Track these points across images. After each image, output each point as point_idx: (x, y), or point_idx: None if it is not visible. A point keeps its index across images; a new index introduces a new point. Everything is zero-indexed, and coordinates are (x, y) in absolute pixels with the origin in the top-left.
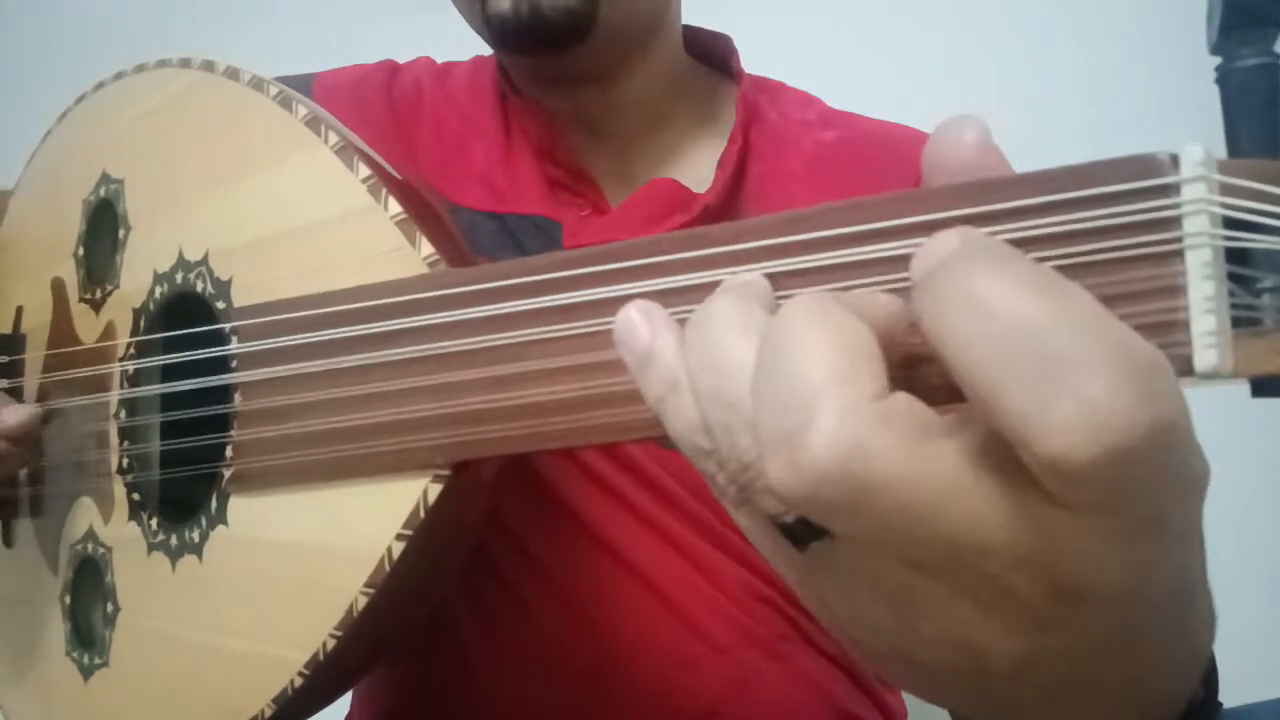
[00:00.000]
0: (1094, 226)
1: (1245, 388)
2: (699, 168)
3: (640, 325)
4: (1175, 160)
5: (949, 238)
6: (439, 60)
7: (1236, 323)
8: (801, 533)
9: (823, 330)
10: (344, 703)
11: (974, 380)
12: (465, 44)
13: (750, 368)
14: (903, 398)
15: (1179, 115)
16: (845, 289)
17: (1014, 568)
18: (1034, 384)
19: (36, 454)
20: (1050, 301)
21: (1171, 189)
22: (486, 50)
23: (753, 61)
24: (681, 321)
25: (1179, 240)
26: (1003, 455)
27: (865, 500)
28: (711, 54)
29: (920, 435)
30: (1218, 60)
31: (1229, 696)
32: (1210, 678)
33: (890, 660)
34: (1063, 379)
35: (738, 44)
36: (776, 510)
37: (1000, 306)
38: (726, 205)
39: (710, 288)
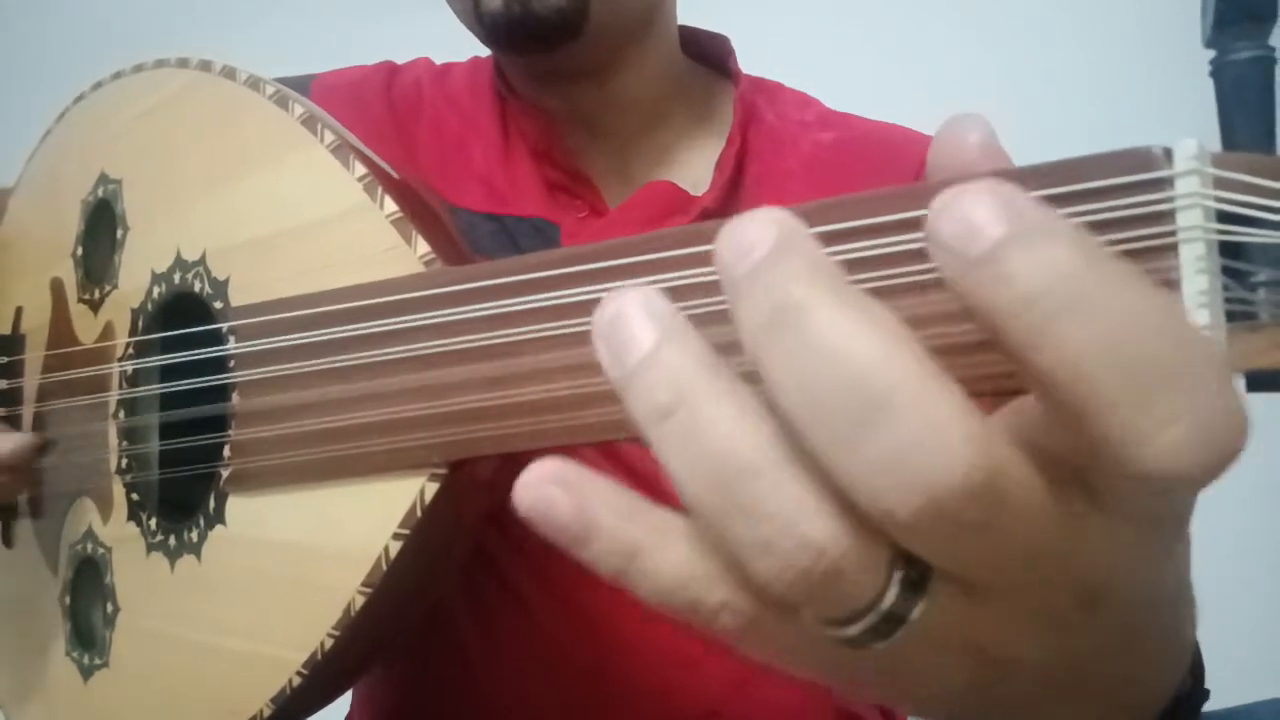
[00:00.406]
0: (1087, 221)
1: (1240, 384)
2: (696, 169)
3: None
4: (1168, 154)
5: (987, 212)
6: (438, 60)
7: (1231, 317)
8: (875, 632)
9: (876, 326)
10: (344, 702)
11: (1077, 392)
12: (464, 44)
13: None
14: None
15: (1174, 108)
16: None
17: (1059, 572)
18: (1145, 399)
19: (35, 483)
20: (1153, 307)
21: (1165, 183)
22: (485, 50)
23: (751, 62)
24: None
25: (1172, 234)
26: (1045, 458)
27: (1000, 517)
28: (709, 54)
29: (1009, 441)
30: (1212, 54)
31: (1229, 697)
32: (1195, 666)
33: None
34: (1176, 395)
35: (736, 44)
36: (843, 615)
37: (1113, 315)
38: (724, 207)
39: (707, 288)
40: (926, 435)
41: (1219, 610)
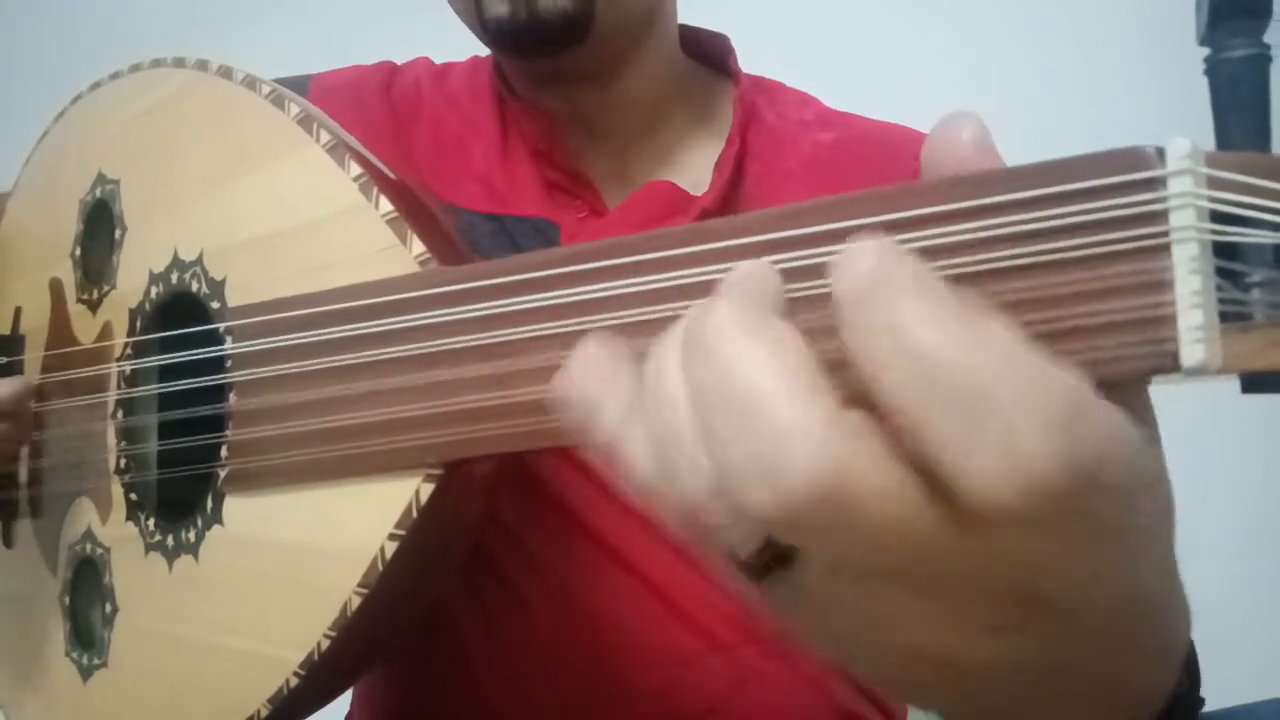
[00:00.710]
0: (1080, 221)
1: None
2: (696, 169)
3: (590, 369)
4: (1161, 154)
5: (865, 254)
6: (438, 60)
7: (1225, 318)
8: (758, 566)
9: (768, 344)
10: (344, 702)
11: (900, 415)
12: (465, 44)
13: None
14: (855, 410)
15: (1168, 106)
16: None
17: (978, 572)
18: (957, 426)
19: (29, 456)
20: (972, 340)
21: (1157, 183)
22: (485, 50)
23: (751, 61)
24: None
25: (1165, 235)
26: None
27: (848, 517)
28: (709, 54)
29: (884, 447)
30: (1207, 51)
31: (1229, 697)
32: (1191, 668)
33: (870, 673)
34: (984, 423)
35: (736, 44)
36: (739, 540)
37: (924, 346)
38: (724, 207)
39: (704, 287)
40: (780, 439)
41: (1219, 610)
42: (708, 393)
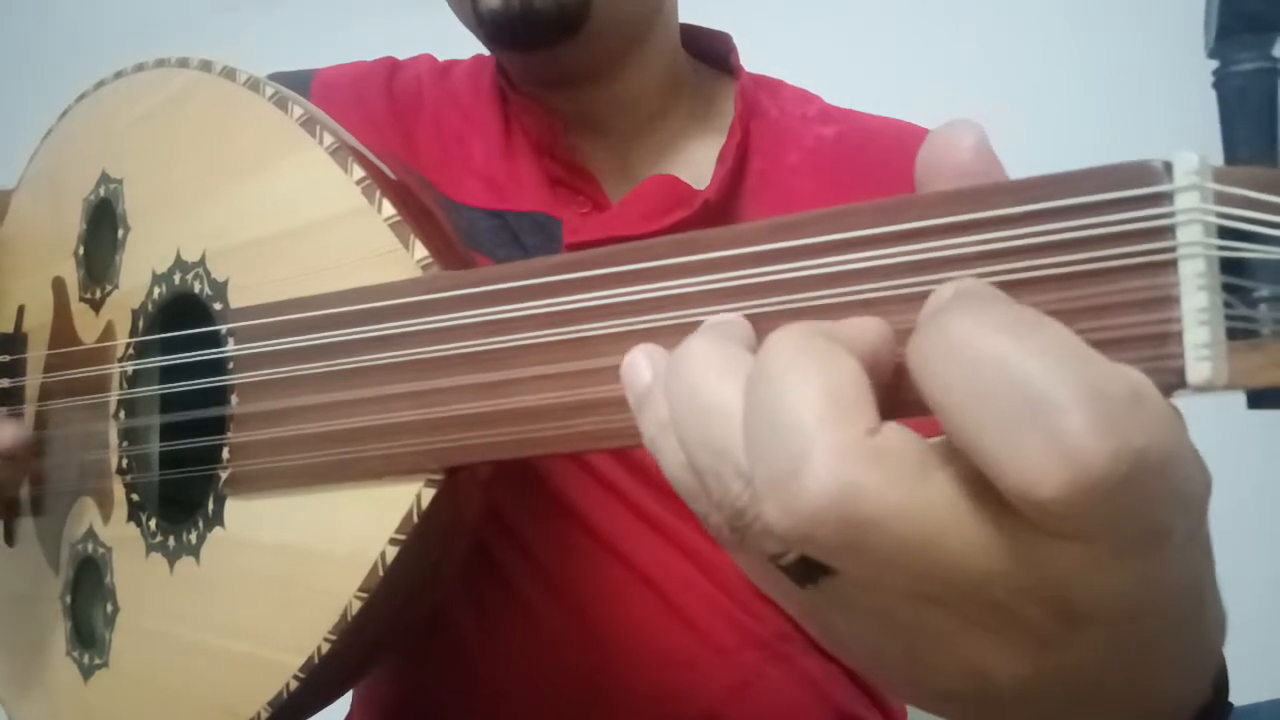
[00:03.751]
0: (1086, 235)
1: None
2: (698, 164)
3: (642, 366)
4: (1168, 168)
5: (946, 288)
6: (440, 58)
7: (1232, 334)
8: (803, 571)
9: (808, 369)
10: (344, 702)
11: (950, 422)
12: (464, 44)
13: (735, 411)
14: (894, 431)
15: (1175, 120)
16: (836, 296)
17: (1018, 594)
18: (1006, 424)
19: (32, 470)
20: (1022, 339)
21: (1164, 197)
22: (487, 49)
23: (752, 61)
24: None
25: (1172, 250)
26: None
27: (862, 539)
28: (710, 51)
29: (913, 469)
30: (1215, 64)
31: (1229, 697)
32: (1220, 680)
33: (900, 685)
34: (1033, 418)
35: (736, 43)
36: (776, 550)
37: (972, 348)
38: (727, 200)
39: (704, 296)
40: (801, 458)
41: None
42: (750, 410)
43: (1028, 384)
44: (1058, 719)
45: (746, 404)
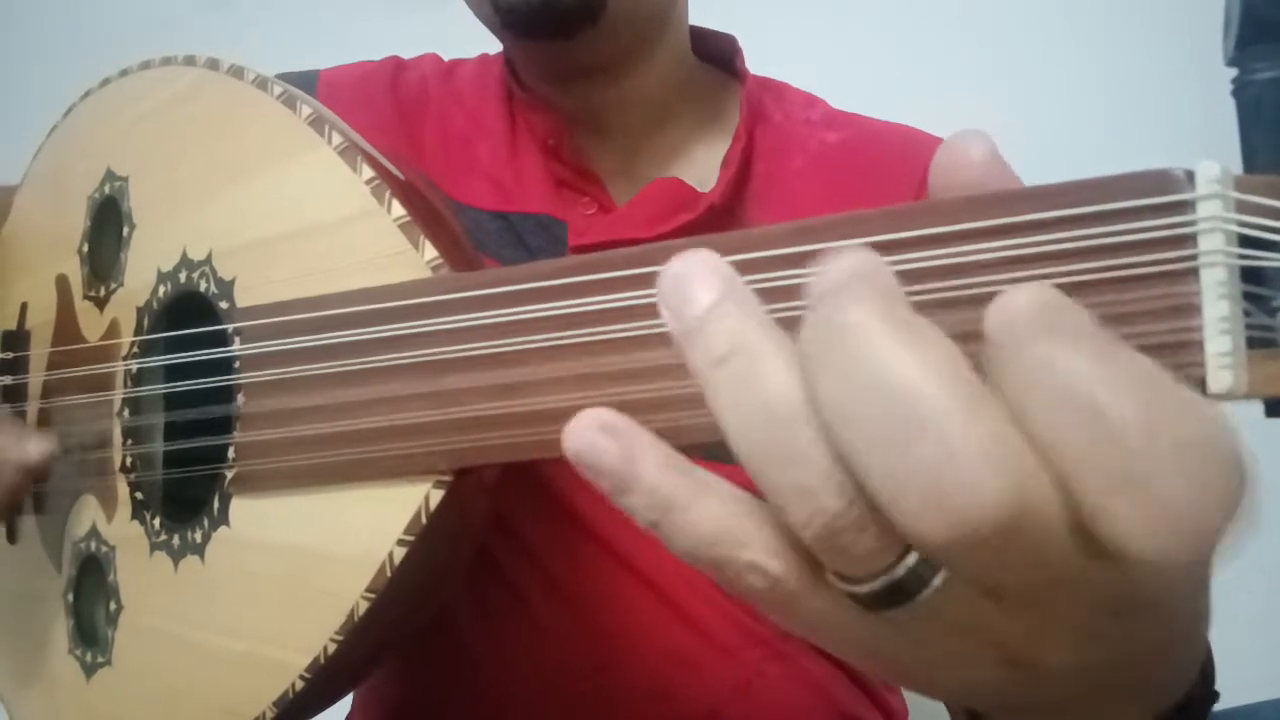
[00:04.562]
0: (1106, 243)
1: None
2: (703, 166)
3: (604, 446)
4: (1191, 176)
5: (1022, 290)
6: (445, 57)
7: (1251, 343)
8: (887, 596)
9: (921, 346)
10: (344, 702)
11: (1053, 450)
12: (466, 44)
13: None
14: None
15: (1194, 128)
16: None
17: (1087, 593)
18: (1108, 467)
19: (40, 428)
20: (1130, 382)
21: (1186, 206)
22: (491, 47)
23: (757, 63)
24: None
25: (1194, 258)
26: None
27: (1019, 544)
28: (716, 54)
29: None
30: (1234, 73)
31: (1229, 697)
32: (1206, 667)
33: (935, 686)
34: (1133, 472)
35: (742, 45)
36: (863, 573)
37: (1087, 387)
38: (731, 204)
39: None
40: (960, 462)
41: (1219, 610)
42: (849, 405)
43: (1128, 433)
44: (1074, 709)
45: (829, 399)
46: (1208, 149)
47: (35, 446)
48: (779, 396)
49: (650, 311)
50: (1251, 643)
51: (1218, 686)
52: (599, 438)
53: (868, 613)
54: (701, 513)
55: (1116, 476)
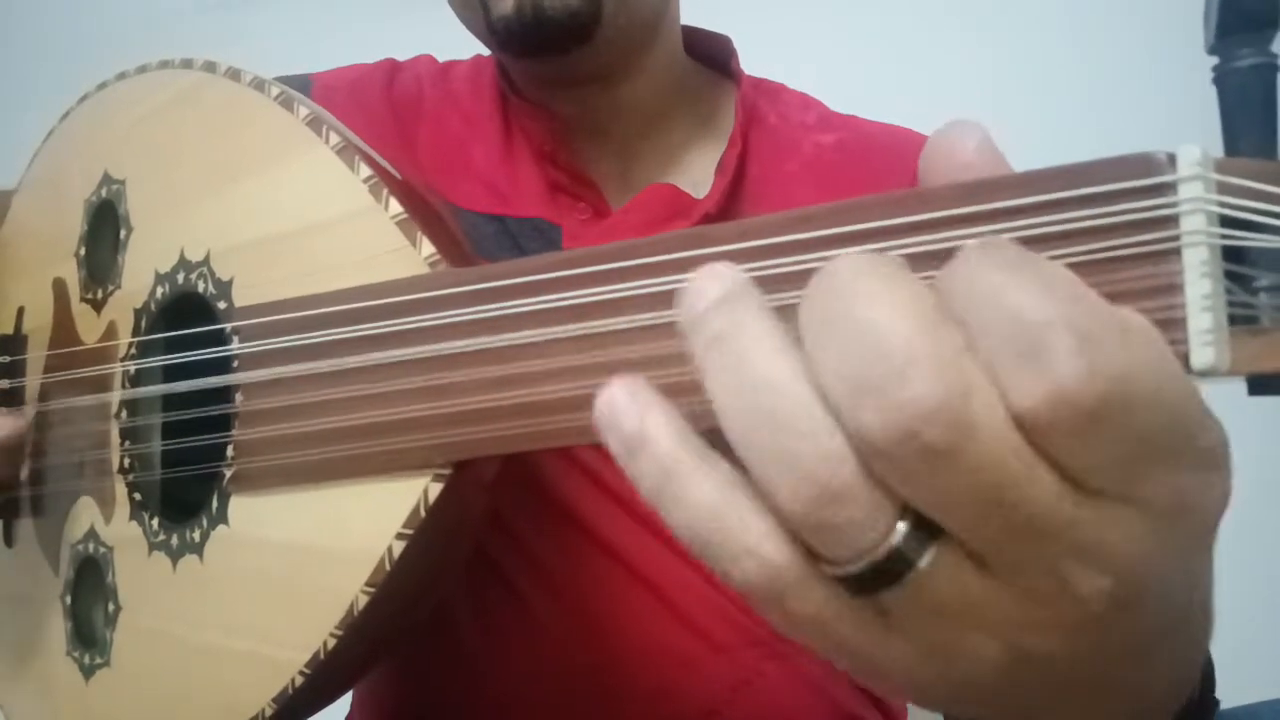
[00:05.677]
0: (1091, 225)
1: (1242, 386)
2: (698, 171)
3: (624, 406)
4: (1172, 159)
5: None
6: (440, 59)
7: (1233, 320)
8: (872, 576)
9: (890, 281)
10: (344, 702)
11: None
12: (465, 44)
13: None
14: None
15: (1176, 115)
16: None
17: (1074, 560)
18: (1006, 351)
19: (31, 456)
20: (1020, 274)
21: (1169, 188)
22: (487, 50)
23: (752, 63)
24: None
25: (1176, 239)
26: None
27: (964, 442)
28: (711, 55)
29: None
30: (1215, 60)
31: (1229, 697)
32: (1207, 673)
33: (929, 691)
34: (1028, 343)
35: (737, 45)
36: (851, 551)
37: (979, 281)
38: (726, 210)
39: None
40: (900, 362)
41: (1219, 610)
42: (837, 345)
43: (1023, 312)
44: (1065, 707)
45: (817, 339)
46: (1191, 136)
47: (3, 424)
48: (766, 373)
49: (645, 304)
50: (1251, 643)
51: (1217, 687)
52: (621, 396)
53: (862, 606)
54: (702, 485)
55: (1018, 342)
